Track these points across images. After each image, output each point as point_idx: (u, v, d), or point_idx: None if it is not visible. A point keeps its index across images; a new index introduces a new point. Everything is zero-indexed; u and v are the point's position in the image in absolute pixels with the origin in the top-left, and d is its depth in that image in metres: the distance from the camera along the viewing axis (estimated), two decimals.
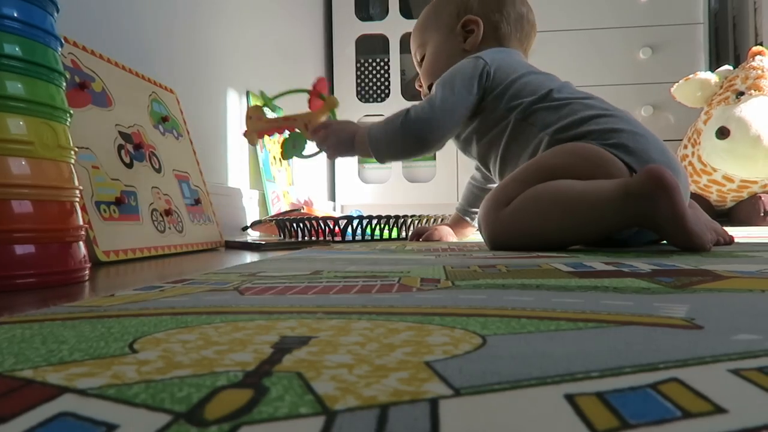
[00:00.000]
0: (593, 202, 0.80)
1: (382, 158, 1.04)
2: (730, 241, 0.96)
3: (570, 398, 0.19)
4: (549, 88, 0.98)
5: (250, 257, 0.93)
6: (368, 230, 1.38)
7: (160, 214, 1.01)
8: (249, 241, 1.23)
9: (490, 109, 1.01)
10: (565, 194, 0.83)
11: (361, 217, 1.35)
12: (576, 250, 0.88)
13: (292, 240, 1.14)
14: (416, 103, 1.02)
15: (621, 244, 0.93)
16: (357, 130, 1.05)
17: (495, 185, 1.10)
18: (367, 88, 2.56)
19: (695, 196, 2.03)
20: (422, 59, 1.17)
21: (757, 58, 1.96)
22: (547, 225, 0.84)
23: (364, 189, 2.49)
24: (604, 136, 0.89)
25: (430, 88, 1.15)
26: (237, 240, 1.03)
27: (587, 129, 0.91)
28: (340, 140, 1.06)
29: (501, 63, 1.02)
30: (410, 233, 1.34)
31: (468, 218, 1.27)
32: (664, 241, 0.96)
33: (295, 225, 1.38)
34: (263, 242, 1.18)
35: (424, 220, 1.48)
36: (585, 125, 0.92)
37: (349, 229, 1.36)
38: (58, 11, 0.60)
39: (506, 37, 1.11)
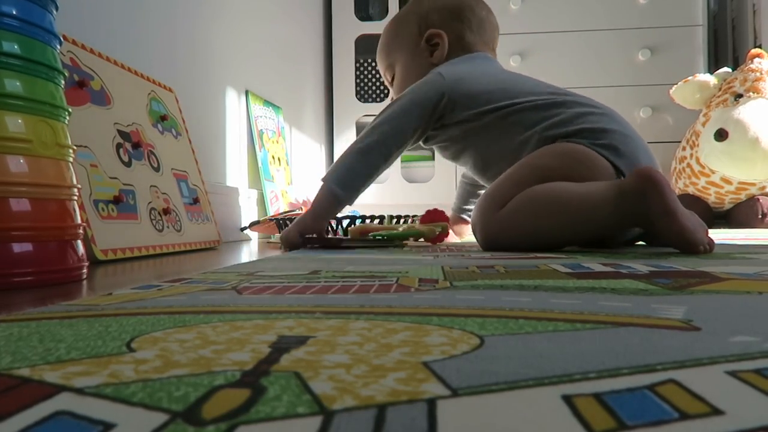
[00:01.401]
0: (589, 204, 0.82)
1: (348, 189, 1.01)
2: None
3: (567, 399, 0.19)
4: (527, 88, 1.00)
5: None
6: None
7: (159, 213, 1.01)
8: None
9: (460, 119, 1.02)
10: (561, 196, 0.84)
11: (363, 217, 1.35)
12: (573, 251, 0.88)
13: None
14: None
15: (604, 245, 0.94)
16: (306, 214, 1.06)
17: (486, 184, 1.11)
18: (366, 88, 2.56)
19: (693, 198, 2.03)
20: (392, 79, 1.18)
21: (756, 60, 1.97)
22: (543, 226, 0.84)
23: None
24: (595, 135, 0.91)
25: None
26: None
27: (579, 127, 0.92)
28: (300, 228, 1.04)
29: (463, 74, 1.03)
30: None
31: (465, 216, 1.28)
32: (643, 242, 0.97)
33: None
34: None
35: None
36: (576, 123, 0.93)
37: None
38: (57, 9, 0.60)
39: (472, 44, 1.12)
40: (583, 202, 0.82)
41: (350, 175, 1.01)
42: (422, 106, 1.01)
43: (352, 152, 1.02)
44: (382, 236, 1.12)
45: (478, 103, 0.99)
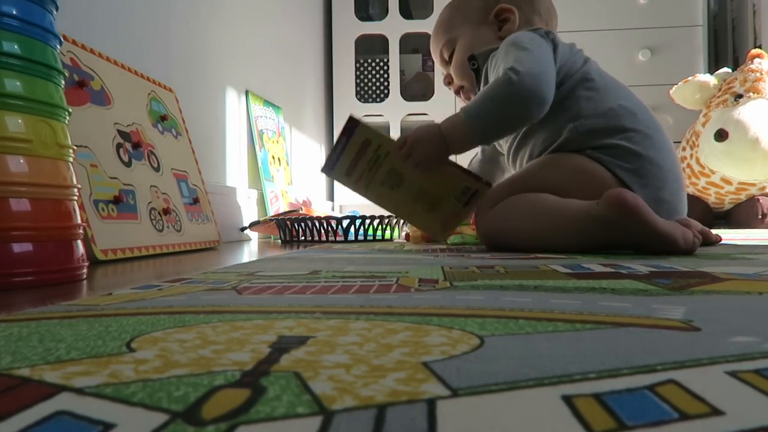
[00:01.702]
0: (563, 220, 0.84)
1: (485, 136, 0.92)
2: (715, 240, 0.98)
3: (567, 399, 0.19)
4: (592, 71, 0.97)
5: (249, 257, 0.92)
6: (370, 231, 1.38)
7: (159, 213, 1.01)
8: None
9: None
10: (541, 206, 0.87)
11: (363, 218, 1.36)
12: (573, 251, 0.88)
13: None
14: (512, 68, 0.89)
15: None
16: (439, 126, 0.92)
17: (503, 156, 1.12)
18: (366, 88, 2.56)
19: (693, 198, 2.03)
20: (451, 56, 1.13)
21: (756, 60, 1.97)
22: (523, 230, 0.88)
23: None
24: (626, 158, 0.89)
25: (459, 89, 1.13)
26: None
27: (616, 142, 0.89)
28: (427, 149, 0.92)
29: (558, 38, 0.99)
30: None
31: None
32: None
33: (296, 225, 1.38)
34: None
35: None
36: (618, 136, 0.90)
37: (348, 229, 1.36)
38: (57, 9, 0.60)
39: (539, 25, 1.08)
40: (557, 217, 0.84)
41: (499, 119, 0.94)
42: (546, 44, 0.97)
43: None
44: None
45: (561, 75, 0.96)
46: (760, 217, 1.91)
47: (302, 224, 1.38)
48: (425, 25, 2.43)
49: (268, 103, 1.85)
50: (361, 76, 2.56)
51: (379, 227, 1.39)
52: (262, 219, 1.50)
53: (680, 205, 0.92)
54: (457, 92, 1.15)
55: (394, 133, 2.43)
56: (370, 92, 2.56)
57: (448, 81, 1.16)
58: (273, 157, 1.82)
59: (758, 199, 1.93)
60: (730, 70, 2.05)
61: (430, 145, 0.91)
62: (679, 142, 2.19)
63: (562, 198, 0.86)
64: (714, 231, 1.04)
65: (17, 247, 0.54)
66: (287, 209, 1.69)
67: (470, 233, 1.15)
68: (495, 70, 0.97)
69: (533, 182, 0.91)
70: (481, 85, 1.05)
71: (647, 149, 0.90)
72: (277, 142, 1.88)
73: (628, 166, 0.88)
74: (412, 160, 0.93)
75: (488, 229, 0.93)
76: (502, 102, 0.88)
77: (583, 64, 1.00)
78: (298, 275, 0.57)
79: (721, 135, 1.85)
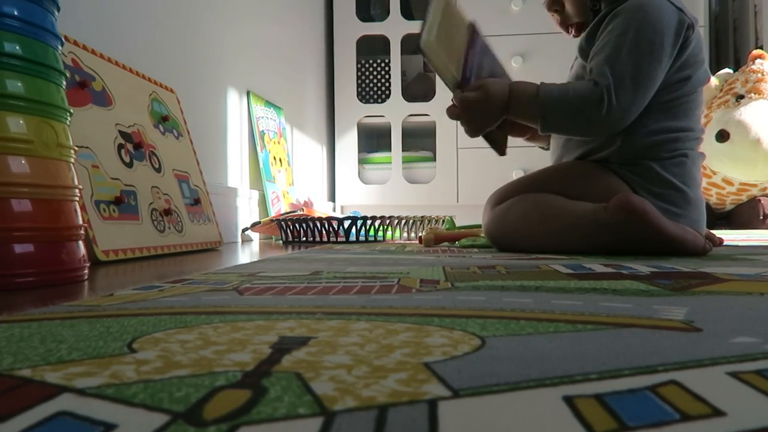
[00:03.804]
0: (571, 222, 0.83)
1: (545, 127, 0.86)
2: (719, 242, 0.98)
3: (568, 400, 0.19)
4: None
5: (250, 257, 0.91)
6: (371, 231, 1.38)
7: (160, 214, 1.01)
8: None
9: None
10: (547, 208, 0.87)
11: (365, 218, 1.36)
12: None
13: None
14: (606, 76, 0.82)
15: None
16: (510, 89, 0.86)
17: None
18: (367, 88, 2.56)
19: None
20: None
21: (757, 61, 1.97)
22: (529, 230, 0.88)
23: (363, 190, 2.49)
24: (654, 182, 0.85)
25: (572, 27, 0.97)
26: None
27: (661, 192, 0.84)
28: (488, 108, 0.86)
29: (694, 23, 0.87)
30: None
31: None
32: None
33: (297, 226, 1.38)
34: None
35: (426, 222, 1.49)
36: (669, 181, 0.85)
37: (350, 230, 1.36)
38: (58, 10, 0.60)
39: None
40: (564, 219, 0.84)
41: (572, 123, 0.88)
42: (676, 39, 0.86)
43: None
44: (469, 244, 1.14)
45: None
46: (761, 217, 1.91)
47: (303, 225, 1.38)
48: None
49: (269, 103, 1.85)
50: (363, 77, 2.56)
51: (380, 228, 1.39)
52: (263, 220, 1.50)
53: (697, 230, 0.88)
54: (559, 24, 1.00)
55: (395, 134, 2.43)
56: (371, 93, 2.56)
57: (555, 10, 0.98)
58: (274, 158, 1.82)
59: (760, 200, 1.93)
60: (731, 71, 2.05)
61: (490, 113, 0.86)
62: None
63: (569, 200, 0.86)
64: (715, 232, 1.04)
65: (19, 248, 0.54)
66: (288, 210, 1.69)
67: (483, 237, 1.15)
68: (604, 40, 0.86)
69: (546, 186, 0.90)
70: (599, 39, 0.88)
71: (676, 177, 0.86)
72: (279, 142, 1.88)
73: (656, 190, 0.85)
74: (463, 125, 0.88)
75: (494, 227, 0.93)
76: (581, 118, 0.83)
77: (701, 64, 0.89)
78: (299, 276, 0.57)
79: (722, 136, 1.85)
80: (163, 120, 1.14)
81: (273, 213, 1.68)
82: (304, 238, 1.39)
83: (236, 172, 1.61)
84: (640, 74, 0.82)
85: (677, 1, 0.86)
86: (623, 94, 0.81)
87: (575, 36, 0.97)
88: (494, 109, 0.86)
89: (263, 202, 1.72)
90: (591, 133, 0.87)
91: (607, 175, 0.87)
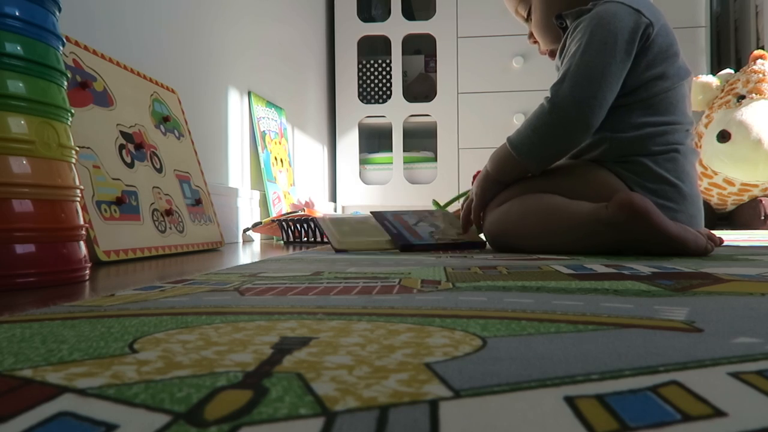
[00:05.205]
0: (572, 223, 0.83)
1: (537, 162, 0.90)
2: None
3: (570, 400, 0.19)
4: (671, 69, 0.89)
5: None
6: None
7: (161, 214, 1.01)
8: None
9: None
10: (547, 208, 0.87)
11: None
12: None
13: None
14: (555, 86, 0.87)
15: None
16: (487, 168, 0.96)
17: None
18: (368, 89, 2.56)
19: None
20: (528, 15, 1.03)
21: (759, 61, 1.96)
22: (530, 230, 0.88)
23: (364, 190, 2.49)
24: (649, 178, 0.86)
25: (551, 53, 1.03)
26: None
27: (643, 161, 0.86)
28: (482, 186, 0.96)
29: (664, 23, 0.90)
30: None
31: None
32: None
33: (298, 226, 1.38)
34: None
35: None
36: (647, 157, 0.86)
37: None
38: (60, 10, 0.60)
39: None
40: (564, 218, 0.84)
41: (544, 144, 0.91)
42: (632, 38, 0.87)
43: None
44: None
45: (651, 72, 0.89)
46: (762, 218, 1.90)
47: (305, 225, 1.38)
48: (427, 26, 2.43)
49: (270, 104, 1.85)
50: (364, 77, 2.56)
51: None
52: (264, 220, 1.50)
53: (695, 227, 0.88)
54: (545, 53, 1.05)
55: (396, 134, 2.43)
56: (372, 93, 2.56)
57: (534, 41, 1.05)
58: (275, 158, 1.82)
59: (761, 200, 1.93)
60: (732, 71, 2.05)
61: (487, 188, 0.96)
62: None
63: (570, 200, 0.86)
64: (716, 232, 1.04)
65: (20, 249, 0.54)
66: (290, 210, 1.69)
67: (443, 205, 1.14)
68: (568, 49, 0.90)
69: (546, 186, 0.90)
70: (564, 53, 0.92)
71: (669, 172, 0.87)
72: (280, 143, 1.89)
73: (649, 186, 0.86)
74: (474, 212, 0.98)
75: (494, 228, 0.93)
76: (545, 132, 0.87)
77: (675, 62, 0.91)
78: (300, 276, 0.57)
79: (723, 136, 1.85)
80: (164, 120, 1.14)
81: (274, 213, 1.68)
82: (305, 239, 1.39)
83: (237, 173, 1.61)
84: (592, 69, 0.84)
85: (636, 3, 0.88)
86: (568, 87, 0.85)
87: (554, 59, 1.02)
88: (492, 184, 0.95)
89: (264, 203, 1.72)
90: (569, 138, 0.88)
91: (603, 173, 0.88)
